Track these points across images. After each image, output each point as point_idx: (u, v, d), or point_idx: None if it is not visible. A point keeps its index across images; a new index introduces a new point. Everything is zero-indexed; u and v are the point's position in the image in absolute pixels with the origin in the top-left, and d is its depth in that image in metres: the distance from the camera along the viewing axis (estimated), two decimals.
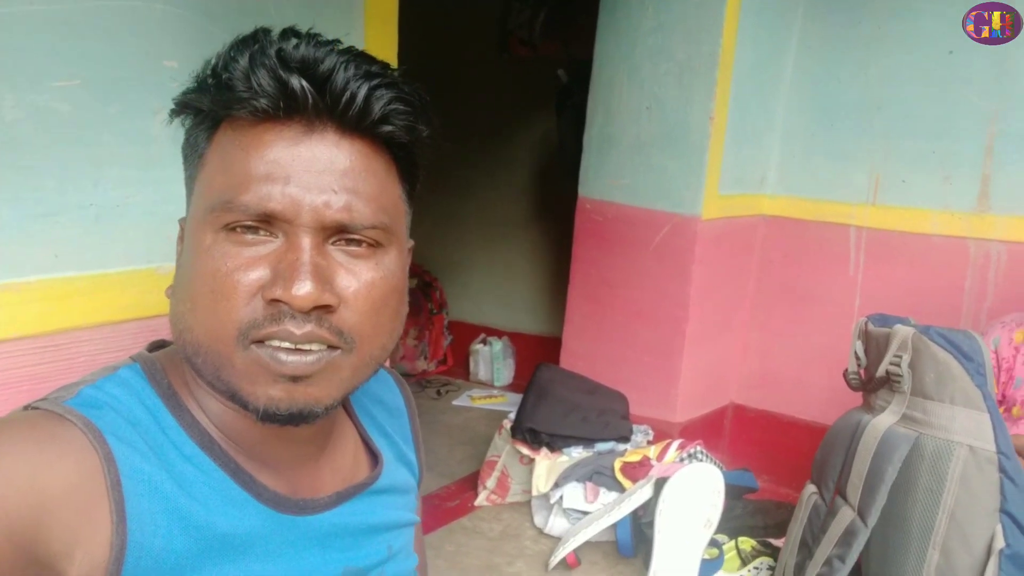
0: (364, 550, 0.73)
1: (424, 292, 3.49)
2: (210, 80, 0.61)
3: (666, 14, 2.16)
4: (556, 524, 2.05)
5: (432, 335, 3.46)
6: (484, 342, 3.35)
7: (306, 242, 0.60)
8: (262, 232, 0.61)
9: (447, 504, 2.23)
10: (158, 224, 1.07)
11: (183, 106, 0.65)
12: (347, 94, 0.59)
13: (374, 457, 0.78)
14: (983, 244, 2.07)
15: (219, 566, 0.62)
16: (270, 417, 0.61)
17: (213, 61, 0.61)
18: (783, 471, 2.31)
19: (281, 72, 0.58)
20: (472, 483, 2.33)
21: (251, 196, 0.60)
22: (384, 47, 1.29)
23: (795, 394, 2.39)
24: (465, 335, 3.46)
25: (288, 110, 0.59)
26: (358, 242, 0.63)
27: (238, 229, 0.60)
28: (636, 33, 2.22)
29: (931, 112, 2.11)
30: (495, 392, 3.18)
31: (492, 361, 3.29)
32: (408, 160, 0.67)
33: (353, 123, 0.61)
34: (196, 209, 0.63)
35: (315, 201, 0.60)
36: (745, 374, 2.48)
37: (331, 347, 0.62)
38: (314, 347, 0.61)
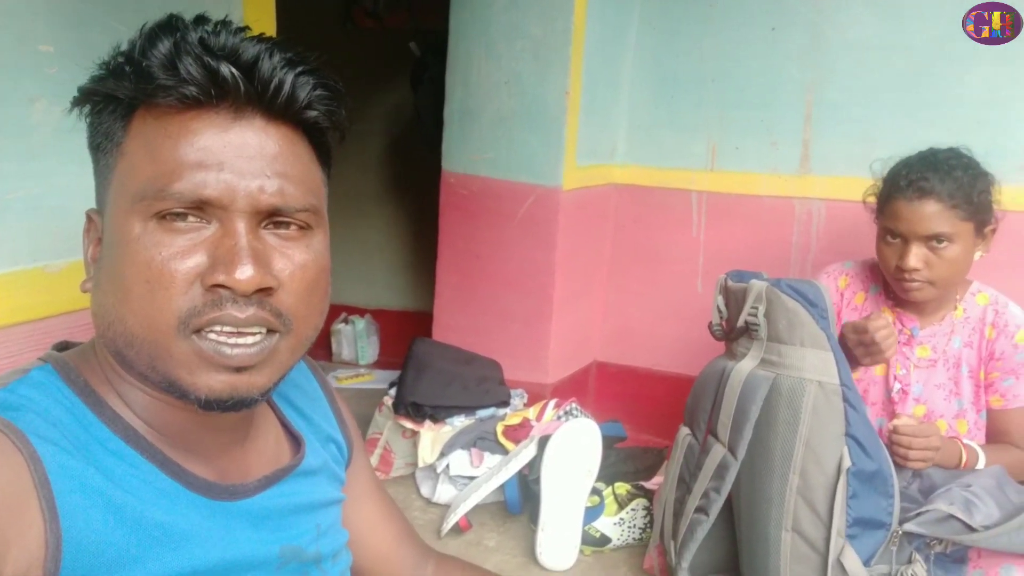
0: (296, 529, 0.76)
1: None
2: (127, 67, 0.60)
3: None
4: (443, 492, 2.11)
5: None
6: (346, 321, 3.32)
7: (242, 227, 0.62)
8: (192, 219, 0.61)
9: None
10: (43, 219, 1.00)
11: (90, 93, 0.63)
12: (275, 81, 0.61)
13: (296, 441, 0.80)
14: (806, 202, 2.33)
15: (160, 556, 0.63)
16: (211, 406, 0.63)
17: (127, 48, 0.61)
18: (644, 419, 2.50)
19: (208, 59, 0.59)
20: None
21: (184, 183, 0.60)
22: (262, 28, 1.26)
23: (650, 348, 2.58)
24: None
25: (217, 97, 0.60)
26: (287, 225, 0.65)
27: (168, 217, 0.60)
28: (490, 10, 2.27)
29: (757, 84, 2.33)
30: (362, 371, 3.18)
31: (356, 340, 3.28)
32: (325, 144, 0.70)
33: (280, 109, 0.63)
34: (119, 199, 0.62)
35: (250, 186, 0.62)
36: (606, 332, 2.65)
37: (270, 331, 0.64)
38: (255, 330, 0.62)
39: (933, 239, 1.51)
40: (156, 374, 0.63)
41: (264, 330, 0.63)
